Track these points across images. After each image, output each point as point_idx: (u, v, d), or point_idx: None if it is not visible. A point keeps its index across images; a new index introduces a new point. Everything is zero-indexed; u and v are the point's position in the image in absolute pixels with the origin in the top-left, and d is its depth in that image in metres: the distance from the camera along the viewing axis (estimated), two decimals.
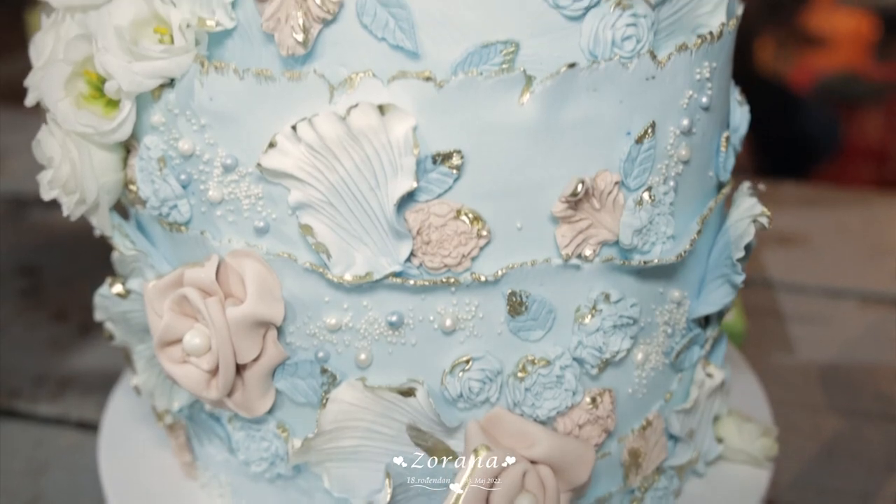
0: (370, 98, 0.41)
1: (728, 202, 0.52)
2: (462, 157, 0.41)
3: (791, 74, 2.18)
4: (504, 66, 0.42)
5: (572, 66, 0.41)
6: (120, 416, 0.61)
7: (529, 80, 0.41)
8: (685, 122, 0.45)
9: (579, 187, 0.42)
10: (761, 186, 0.52)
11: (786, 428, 0.64)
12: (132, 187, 0.48)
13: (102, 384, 0.71)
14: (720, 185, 0.51)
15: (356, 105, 0.40)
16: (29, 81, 0.47)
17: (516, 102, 0.41)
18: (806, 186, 1.07)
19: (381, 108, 0.40)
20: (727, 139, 0.49)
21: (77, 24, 0.46)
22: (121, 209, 0.51)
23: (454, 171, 0.41)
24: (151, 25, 0.44)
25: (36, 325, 0.81)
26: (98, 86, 0.46)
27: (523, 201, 0.43)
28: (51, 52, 0.46)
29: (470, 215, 0.42)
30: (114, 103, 0.46)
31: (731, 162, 0.51)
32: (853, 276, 0.89)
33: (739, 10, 0.49)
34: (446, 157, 0.41)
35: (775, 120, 1.97)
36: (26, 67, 0.47)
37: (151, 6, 0.44)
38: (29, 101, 0.48)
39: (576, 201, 0.43)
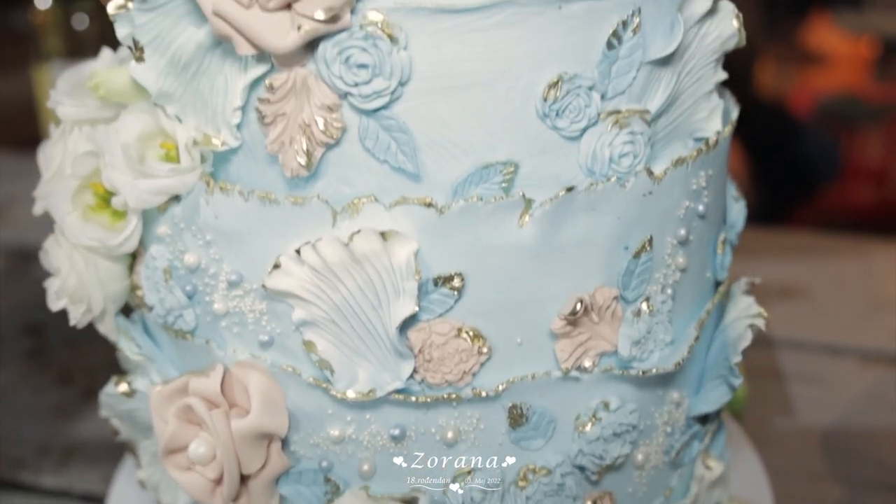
0: (372, 223, 0.41)
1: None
2: (463, 280, 0.42)
3: (791, 96, 2.19)
4: (503, 184, 0.42)
5: (570, 189, 0.42)
6: (124, 491, 0.61)
7: (528, 203, 0.42)
8: (682, 231, 0.46)
9: (578, 306, 0.43)
10: (757, 281, 0.52)
11: (786, 498, 0.65)
12: (138, 292, 0.49)
13: (107, 454, 0.71)
14: (717, 284, 0.51)
15: (359, 231, 0.41)
16: (37, 192, 0.48)
17: (516, 225, 0.42)
18: (804, 234, 1.08)
19: (384, 235, 0.41)
20: (724, 240, 0.50)
21: (85, 137, 0.46)
22: (126, 306, 0.52)
23: (455, 293, 0.42)
24: (157, 140, 0.45)
25: (41, 390, 0.82)
26: (105, 197, 0.46)
27: (523, 318, 0.43)
28: (59, 164, 0.47)
29: (471, 333, 0.43)
30: (120, 213, 0.46)
31: (728, 259, 0.52)
32: (853, 332, 0.90)
33: (734, 114, 0.50)
34: (447, 279, 0.42)
35: (776, 144, 1.98)
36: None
37: (157, 121, 0.45)
38: (37, 209, 0.48)
39: (575, 319, 0.43)
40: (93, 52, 0.94)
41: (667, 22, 0.44)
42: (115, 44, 0.91)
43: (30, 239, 1.03)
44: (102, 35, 0.94)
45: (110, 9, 0.43)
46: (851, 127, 2.18)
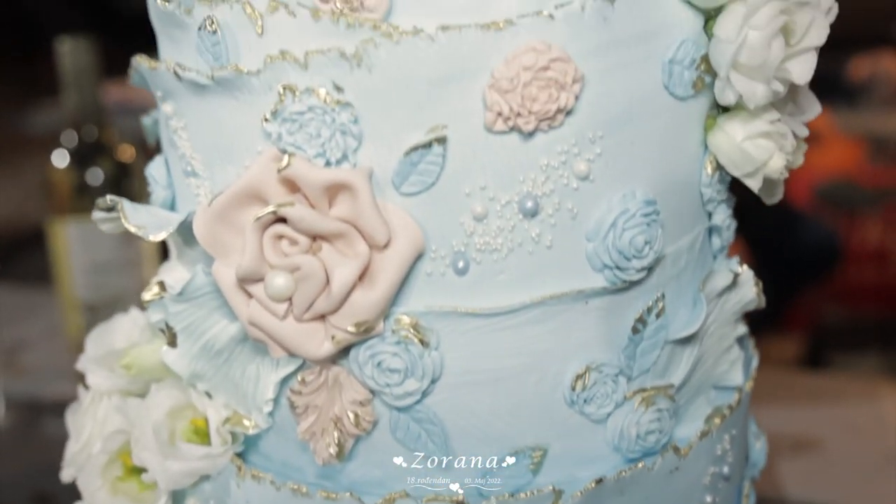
0: None
1: None
2: None
3: (789, 185, 2.21)
4: (531, 467, 0.43)
5: (600, 481, 0.42)
6: None
7: (559, 494, 0.42)
8: (708, 498, 0.46)
9: None
10: None
11: None
12: None
13: None
14: None
15: None
16: (67, 460, 0.48)
17: None
18: (815, 376, 1.08)
19: None
20: (748, 494, 0.51)
21: (115, 408, 0.47)
22: None
23: None
24: (188, 414, 0.46)
25: None
26: (134, 469, 0.47)
27: None
28: (88, 436, 0.47)
29: None
30: (148, 485, 0.47)
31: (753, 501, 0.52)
32: (868, 488, 0.90)
33: (755, 363, 0.51)
34: None
35: (776, 235, 1.99)
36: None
37: (188, 397, 0.45)
38: (65, 476, 0.49)
39: None
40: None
41: (689, 298, 0.45)
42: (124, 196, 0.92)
43: (40, 390, 1.02)
44: (115, 191, 0.96)
45: (145, 296, 0.44)
46: (851, 212, 2.20)
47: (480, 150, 0.39)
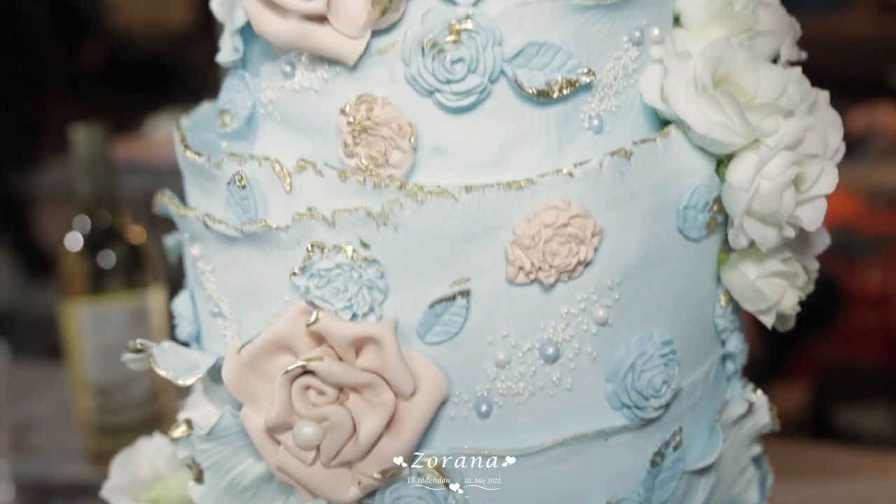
0: None
1: None
2: None
3: None
4: None
5: None
6: None
7: None
8: None
9: None
10: None
11: None
12: None
13: None
14: None
15: None
16: None
17: None
18: (824, 448, 1.08)
19: None
20: None
21: None
22: None
23: None
24: None
25: None
26: None
27: None
28: None
29: None
30: None
31: None
32: None
33: (770, 481, 0.51)
34: None
35: None
36: None
37: None
38: None
39: None
40: (116, 288, 0.96)
41: (704, 426, 0.46)
42: (135, 281, 0.92)
43: (50, 473, 1.02)
44: (127, 274, 0.96)
45: (173, 434, 0.44)
46: (852, 260, 2.21)
47: (503, 302, 0.40)
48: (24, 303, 2.43)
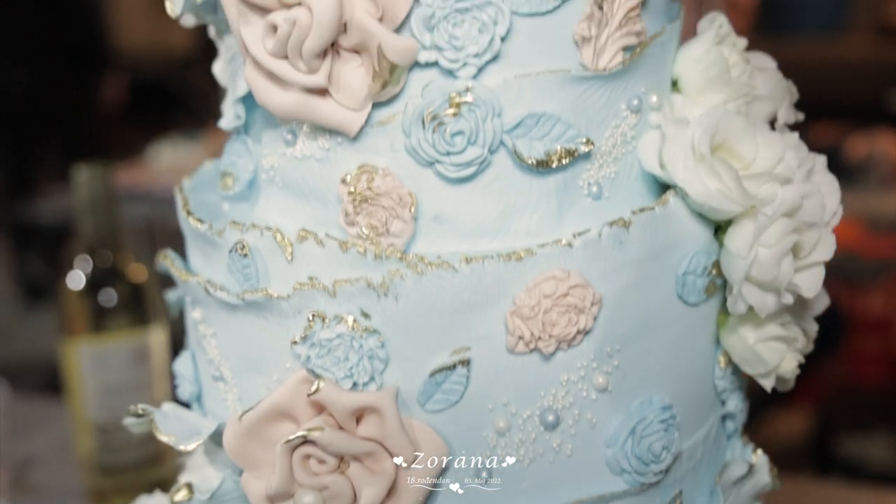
0: None
1: None
2: None
3: None
4: None
5: None
6: None
7: None
8: None
9: None
10: None
11: None
12: None
13: None
14: None
15: None
16: None
17: None
18: (826, 486, 1.08)
19: None
20: None
21: None
22: None
23: None
24: None
25: None
26: None
27: None
28: None
29: None
30: None
31: None
32: None
33: None
34: None
35: None
36: None
37: None
38: None
39: None
40: (117, 326, 0.96)
41: (705, 488, 0.46)
42: (136, 320, 0.92)
43: None
44: (128, 312, 0.97)
45: (176, 497, 0.44)
46: (853, 285, 2.21)
47: (503, 370, 0.40)
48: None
